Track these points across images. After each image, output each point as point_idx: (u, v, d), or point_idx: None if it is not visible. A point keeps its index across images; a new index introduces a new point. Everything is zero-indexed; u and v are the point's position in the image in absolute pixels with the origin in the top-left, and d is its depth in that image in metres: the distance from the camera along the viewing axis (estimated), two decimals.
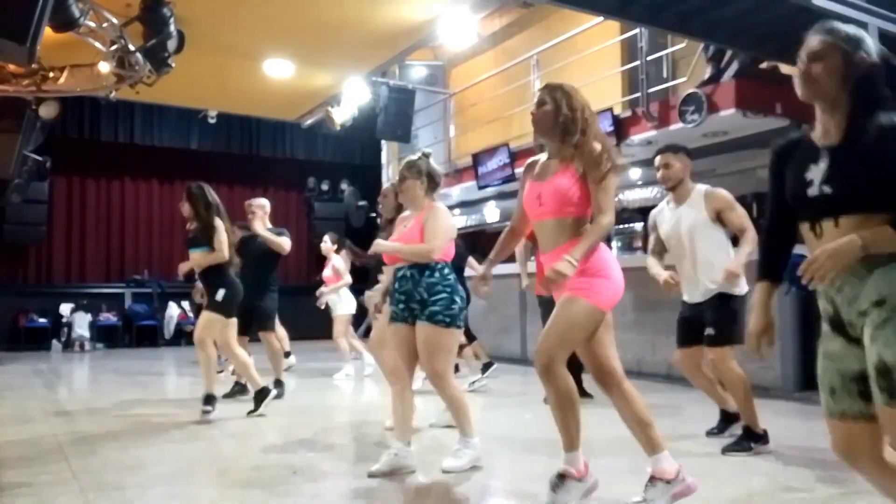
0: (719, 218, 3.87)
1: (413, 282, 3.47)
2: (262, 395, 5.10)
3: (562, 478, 2.76)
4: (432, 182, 3.65)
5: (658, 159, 4.03)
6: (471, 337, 6.48)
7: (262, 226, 6.04)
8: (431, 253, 3.44)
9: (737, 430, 3.95)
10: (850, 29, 1.95)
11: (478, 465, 3.48)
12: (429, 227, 3.50)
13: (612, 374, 2.77)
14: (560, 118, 2.78)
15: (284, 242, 6.03)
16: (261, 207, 6.15)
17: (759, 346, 2.11)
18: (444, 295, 3.42)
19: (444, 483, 3.43)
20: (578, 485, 2.79)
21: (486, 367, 6.56)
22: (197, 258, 5.08)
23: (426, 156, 3.70)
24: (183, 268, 5.33)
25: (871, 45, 1.92)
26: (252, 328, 6.05)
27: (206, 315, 5.06)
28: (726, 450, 3.79)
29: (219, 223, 5.04)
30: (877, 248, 1.74)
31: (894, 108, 1.85)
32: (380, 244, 3.61)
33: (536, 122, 2.87)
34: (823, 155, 1.88)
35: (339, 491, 3.21)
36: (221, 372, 7.54)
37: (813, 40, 1.95)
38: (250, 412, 5.06)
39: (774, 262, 2.18)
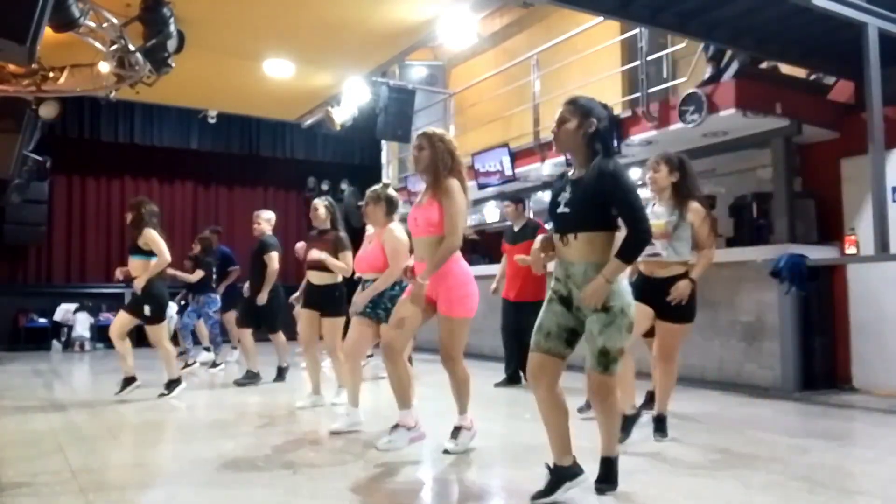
0: None
1: (379, 294, 4.35)
2: (174, 384, 5.93)
3: (395, 427, 3.84)
4: (390, 206, 4.49)
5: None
6: None
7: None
8: (396, 274, 4.24)
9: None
10: (584, 100, 2.86)
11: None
12: (389, 248, 4.32)
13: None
14: (434, 160, 3.69)
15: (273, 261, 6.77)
16: (267, 221, 6.96)
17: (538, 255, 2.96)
18: (395, 296, 4.19)
19: (444, 482, 3.44)
20: (408, 433, 3.83)
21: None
22: (137, 266, 5.80)
23: (385, 185, 4.57)
24: (121, 273, 6.13)
25: (600, 110, 2.82)
26: (258, 323, 6.90)
27: (148, 329, 5.89)
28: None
29: (154, 234, 5.76)
30: (614, 276, 2.66)
31: (613, 153, 2.84)
32: (361, 297, 4.39)
33: (417, 161, 3.76)
34: (569, 185, 2.82)
35: (338, 488, 3.21)
36: (192, 364, 8.15)
37: (561, 109, 2.85)
38: (161, 395, 5.82)
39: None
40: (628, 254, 2.69)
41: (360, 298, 4.35)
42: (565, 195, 2.81)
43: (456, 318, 3.65)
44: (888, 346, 6.05)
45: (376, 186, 4.59)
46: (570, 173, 2.91)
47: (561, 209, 2.81)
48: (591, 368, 2.77)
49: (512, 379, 6.67)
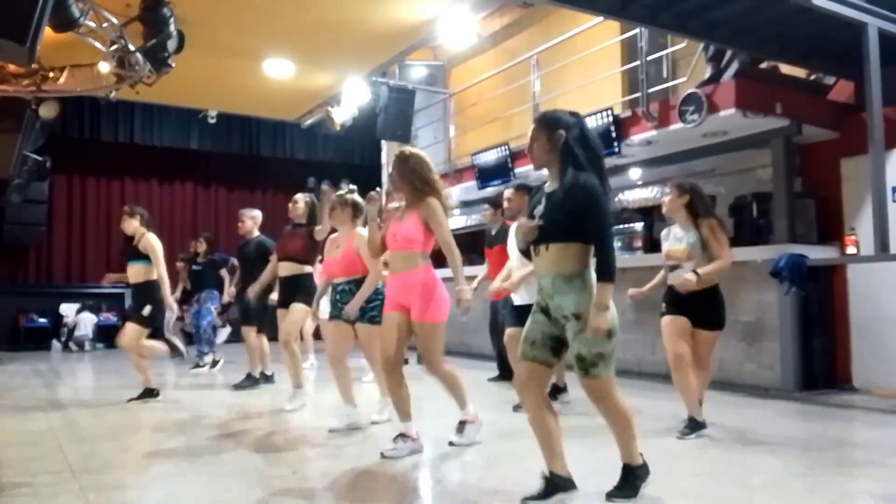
0: None
1: (352, 294, 4.47)
2: (146, 393, 5.75)
3: (403, 437, 3.82)
4: (356, 210, 4.67)
5: None
6: None
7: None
8: (378, 278, 4.45)
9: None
10: (550, 113, 2.89)
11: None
12: (365, 252, 4.35)
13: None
14: (408, 178, 3.78)
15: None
16: (251, 218, 6.84)
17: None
18: (377, 302, 4.37)
19: (444, 482, 3.44)
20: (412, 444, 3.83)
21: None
22: (138, 271, 5.78)
23: (352, 190, 4.76)
24: (111, 277, 6.37)
25: (567, 120, 2.82)
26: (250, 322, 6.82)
27: (130, 326, 5.74)
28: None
29: (154, 239, 5.79)
30: (607, 299, 2.67)
31: (590, 163, 2.77)
32: (352, 306, 4.44)
33: (393, 180, 3.88)
34: (545, 198, 2.84)
35: (338, 489, 3.22)
36: (202, 367, 8.25)
37: (531, 128, 2.89)
38: (130, 399, 5.69)
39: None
40: (607, 272, 2.70)
41: (351, 308, 4.41)
42: (540, 208, 2.84)
43: (427, 324, 3.74)
44: (888, 346, 6.05)
45: (341, 191, 4.79)
46: (545, 186, 2.93)
47: (536, 221, 2.84)
48: (577, 372, 2.80)
49: (504, 375, 6.81)
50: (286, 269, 5.63)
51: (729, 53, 6.52)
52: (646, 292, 4.59)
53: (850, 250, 6.34)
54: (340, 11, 6.44)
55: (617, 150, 7.35)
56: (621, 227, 8.10)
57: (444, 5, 6.45)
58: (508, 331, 5.07)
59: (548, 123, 2.84)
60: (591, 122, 7.63)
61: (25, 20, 3.67)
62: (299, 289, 5.53)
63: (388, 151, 12.63)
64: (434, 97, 11.40)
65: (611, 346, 2.73)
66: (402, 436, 3.86)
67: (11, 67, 6.49)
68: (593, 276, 2.73)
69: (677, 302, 4.26)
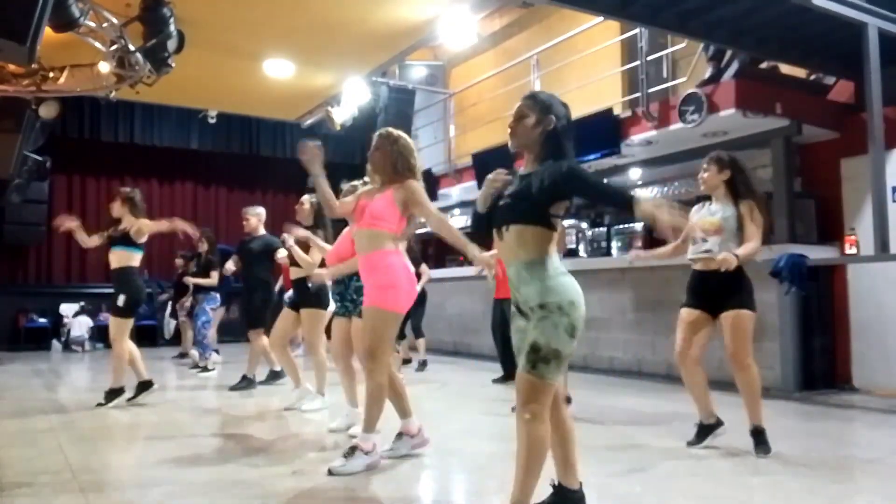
0: None
1: (344, 285, 4.43)
2: (142, 387, 5.68)
3: (400, 435, 3.84)
4: None
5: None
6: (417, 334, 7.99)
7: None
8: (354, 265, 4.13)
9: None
10: (545, 96, 2.76)
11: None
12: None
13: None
14: (390, 160, 3.67)
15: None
16: (256, 215, 6.78)
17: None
18: None
19: (444, 481, 3.44)
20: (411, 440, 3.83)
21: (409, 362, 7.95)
22: (123, 256, 5.76)
23: (365, 182, 4.42)
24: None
25: (560, 108, 2.70)
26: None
27: (112, 321, 5.72)
28: None
29: (150, 224, 5.77)
30: (657, 207, 2.36)
31: (568, 156, 2.63)
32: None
33: (373, 158, 3.74)
34: (518, 178, 2.68)
35: (337, 491, 3.22)
36: (212, 369, 8.09)
37: (520, 104, 2.78)
38: (129, 399, 5.59)
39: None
40: (625, 200, 2.44)
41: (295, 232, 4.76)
42: (511, 188, 2.64)
43: (374, 308, 3.52)
44: (888, 346, 6.05)
45: (355, 182, 4.58)
46: (521, 170, 2.76)
47: (503, 200, 2.63)
48: (520, 367, 2.52)
49: (510, 376, 6.84)
50: (298, 271, 5.56)
51: (729, 53, 6.53)
52: (656, 254, 4.35)
53: (850, 250, 6.34)
54: (340, 11, 6.44)
55: (617, 150, 7.35)
56: (621, 227, 8.12)
57: (444, 5, 6.45)
58: None
59: (542, 105, 2.69)
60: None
61: (25, 20, 3.67)
62: (308, 290, 5.42)
63: None
64: (434, 97, 11.40)
65: (571, 347, 2.47)
66: (401, 434, 3.85)
67: (11, 67, 6.48)
68: (557, 264, 2.53)
69: (697, 292, 3.98)
